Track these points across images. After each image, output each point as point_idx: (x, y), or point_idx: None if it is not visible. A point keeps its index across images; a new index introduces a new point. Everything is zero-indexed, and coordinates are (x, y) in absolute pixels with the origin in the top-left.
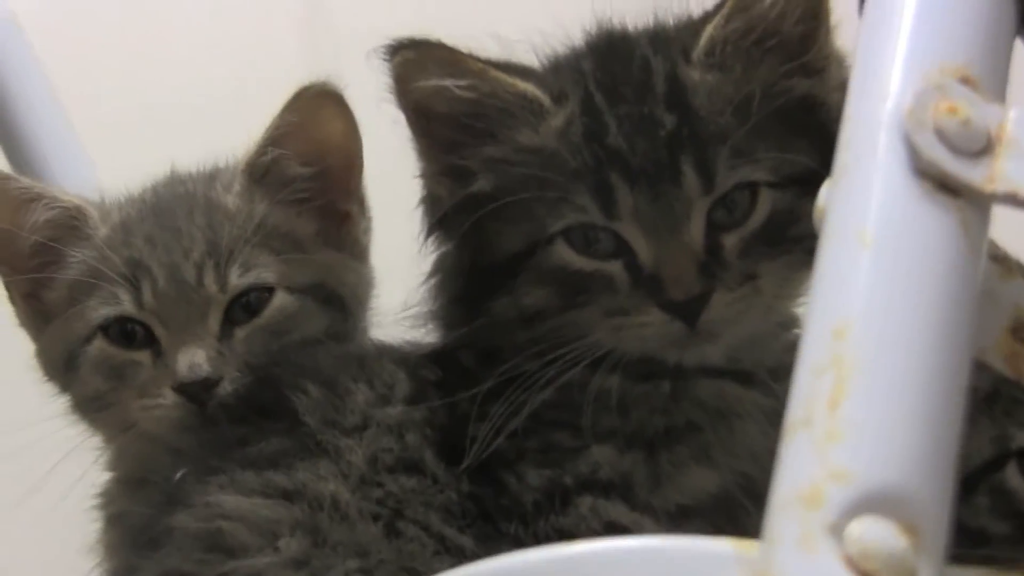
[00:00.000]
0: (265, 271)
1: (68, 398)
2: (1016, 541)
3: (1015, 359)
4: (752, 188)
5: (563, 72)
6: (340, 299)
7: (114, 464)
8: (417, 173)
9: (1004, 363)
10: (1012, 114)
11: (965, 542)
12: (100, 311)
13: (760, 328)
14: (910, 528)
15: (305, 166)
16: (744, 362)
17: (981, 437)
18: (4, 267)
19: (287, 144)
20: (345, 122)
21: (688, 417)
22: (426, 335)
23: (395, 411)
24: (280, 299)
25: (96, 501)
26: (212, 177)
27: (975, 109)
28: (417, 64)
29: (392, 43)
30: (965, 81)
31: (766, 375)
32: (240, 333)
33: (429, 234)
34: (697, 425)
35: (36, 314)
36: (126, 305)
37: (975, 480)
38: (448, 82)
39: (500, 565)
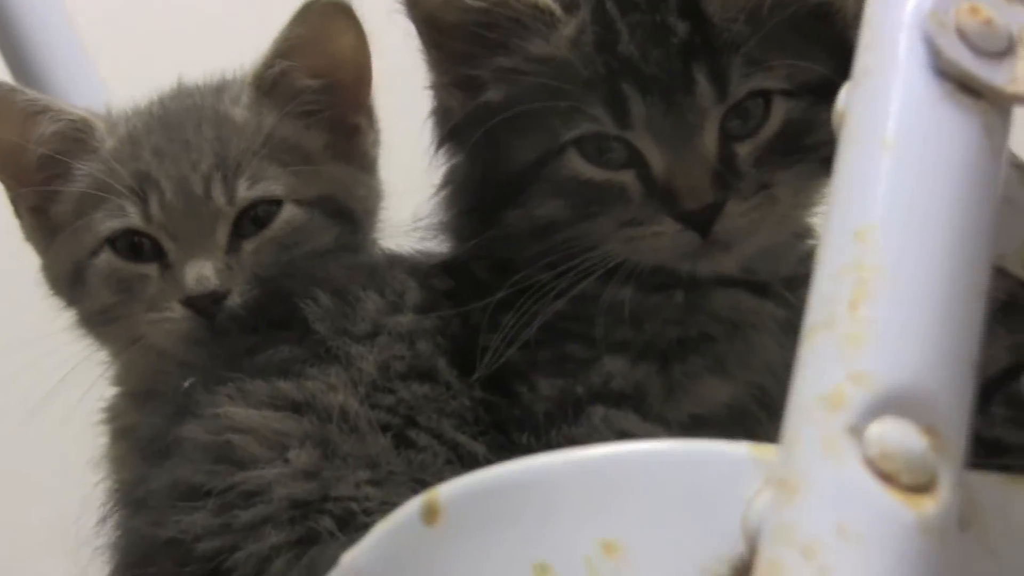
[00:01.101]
0: (273, 183)
1: (75, 312)
2: None
3: None
4: (766, 96)
5: None
6: (349, 212)
7: (121, 378)
8: (427, 84)
9: (1023, 270)
10: None
11: (981, 452)
12: (107, 224)
13: (775, 238)
14: (930, 430)
15: (314, 78)
16: (759, 272)
17: (997, 346)
18: (10, 180)
19: (296, 56)
20: (355, 34)
21: (702, 328)
22: (437, 246)
23: (406, 319)
24: (288, 211)
25: (103, 415)
26: (220, 89)
27: (997, 10)
28: None
29: None
30: None
31: (781, 285)
32: (248, 246)
33: (440, 146)
34: (711, 336)
35: (42, 228)
36: (133, 218)
37: (991, 389)
38: None
39: (517, 468)
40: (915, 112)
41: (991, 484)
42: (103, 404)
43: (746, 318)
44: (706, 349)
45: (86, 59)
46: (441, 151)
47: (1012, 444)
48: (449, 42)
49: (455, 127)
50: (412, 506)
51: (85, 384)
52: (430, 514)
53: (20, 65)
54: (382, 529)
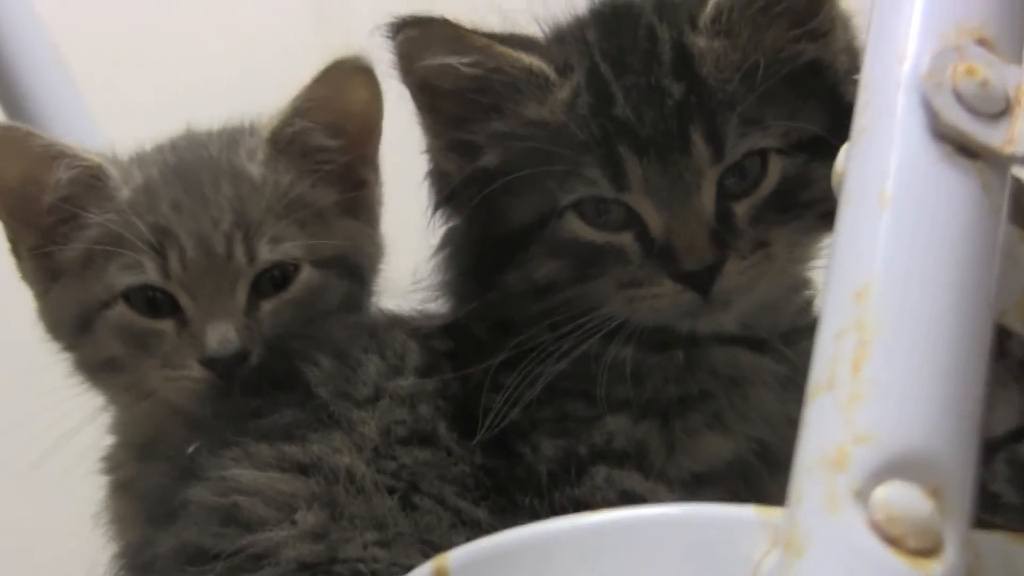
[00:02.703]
0: (292, 245)
1: (74, 357)
2: None
3: None
4: (762, 155)
5: (567, 43)
6: (359, 269)
7: (119, 428)
8: (423, 148)
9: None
10: None
11: (980, 505)
12: (123, 278)
13: (772, 294)
14: (935, 492)
15: (331, 138)
16: (756, 328)
17: (1009, 403)
18: (16, 223)
19: (314, 116)
20: (372, 91)
21: (701, 385)
22: (437, 307)
23: (407, 382)
24: (307, 273)
25: (101, 465)
26: (234, 142)
27: (993, 70)
28: (421, 42)
29: (395, 21)
30: (982, 42)
31: (778, 340)
32: (267, 307)
33: (437, 208)
34: (710, 393)
35: (44, 271)
36: (151, 274)
37: (996, 446)
38: (452, 59)
39: (522, 535)
40: (913, 173)
41: (995, 542)
42: (101, 454)
43: (745, 374)
44: (706, 406)
45: (72, 89)
46: (438, 213)
47: (1008, 503)
48: (444, 106)
49: (452, 191)
50: (422, 572)
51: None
52: None
53: (7, 95)
54: None
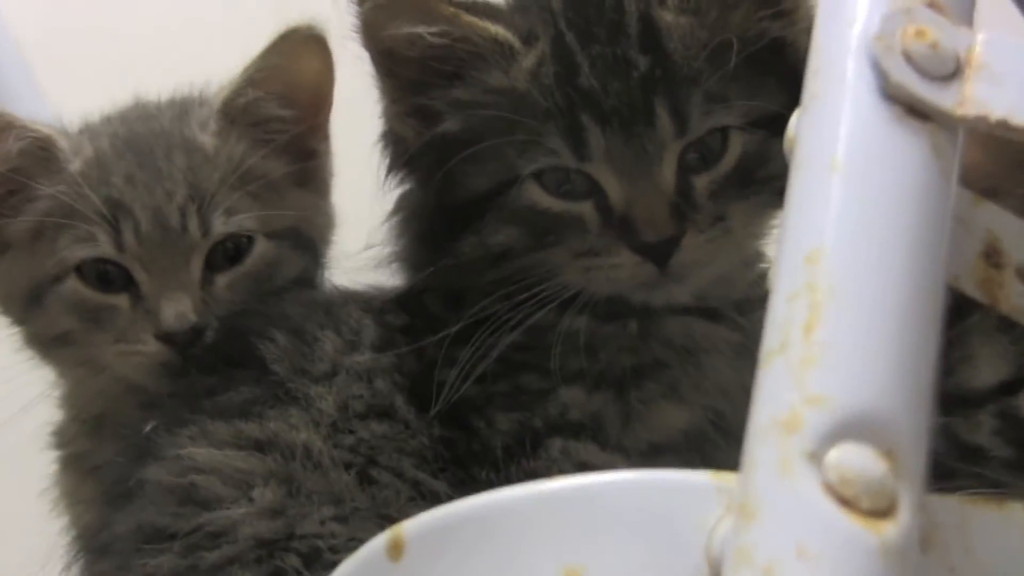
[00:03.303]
0: (247, 217)
1: (24, 331)
2: (1018, 468)
3: (988, 284)
4: (724, 131)
5: (532, 12)
6: (311, 241)
7: (70, 402)
8: (380, 112)
9: (977, 288)
10: (980, 37)
11: (958, 456)
12: (76, 251)
13: (728, 267)
14: (888, 453)
15: (283, 107)
16: (711, 299)
17: (997, 356)
18: None
19: (266, 86)
20: (324, 61)
21: (656, 355)
22: (390, 276)
23: (363, 358)
24: (261, 246)
25: (52, 440)
26: (185, 113)
27: (943, 33)
28: (389, 11)
29: None
30: (932, 5)
31: (733, 310)
32: (222, 280)
33: (391, 172)
34: (665, 362)
35: None
36: (105, 247)
37: (983, 398)
38: (420, 29)
39: (477, 503)
40: (863, 135)
41: (950, 505)
42: (51, 428)
43: (699, 343)
44: (661, 376)
45: (20, 61)
46: (392, 178)
47: (997, 456)
48: (405, 72)
49: (409, 156)
50: (378, 542)
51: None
52: (395, 549)
53: None
54: (348, 565)
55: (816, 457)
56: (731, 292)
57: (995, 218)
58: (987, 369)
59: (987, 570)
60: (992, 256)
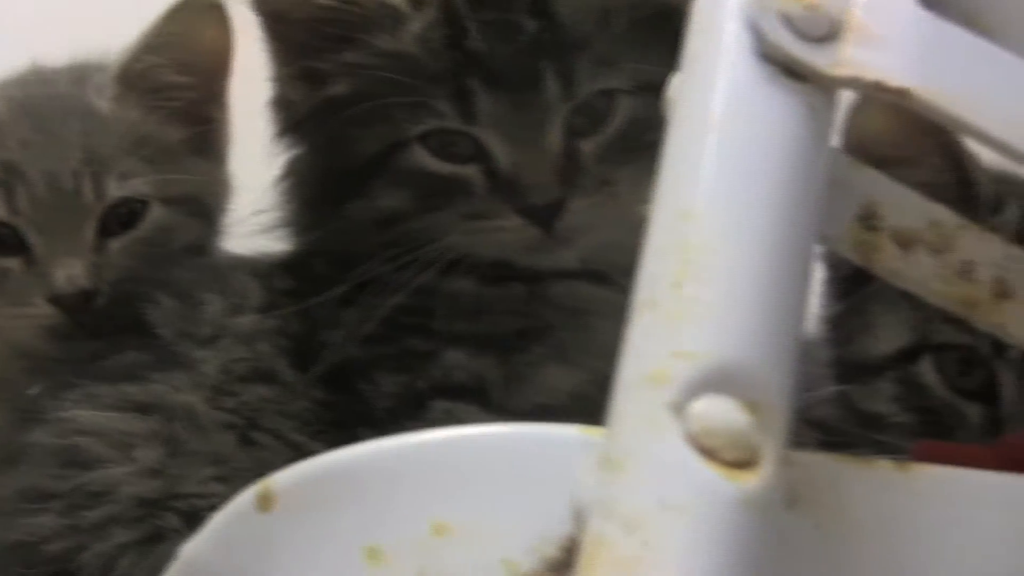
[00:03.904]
0: (141, 182)
1: None
2: (917, 434)
3: (863, 247)
4: (611, 95)
5: None
6: (207, 209)
7: None
8: (269, 76)
9: (852, 251)
10: (860, 0)
11: (857, 423)
12: None
13: (615, 231)
14: (753, 406)
15: (181, 74)
16: (598, 263)
17: (899, 322)
18: None
19: (165, 52)
20: (223, 28)
21: (543, 318)
22: (278, 241)
23: (247, 321)
24: (156, 212)
25: None
26: (82, 78)
27: None
28: None
29: None
30: None
31: (620, 274)
32: (115, 245)
33: (280, 137)
34: (551, 325)
35: None
36: None
37: (882, 365)
38: None
39: (348, 455)
40: (740, 95)
41: (821, 463)
42: None
43: (586, 306)
44: (547, 338)
45: None
46: (281, 143)
47: (892, 423)
48: (295, 35)
49: (298, 120)
50: (247, 495)
51: None
52: (264, 501)
53: None
54: (219, 518)
55: (681, 409)
56: (619, 256)
57: (873, 182)
58: (887, 337)
59: (855, 526)
60: (868, 219)
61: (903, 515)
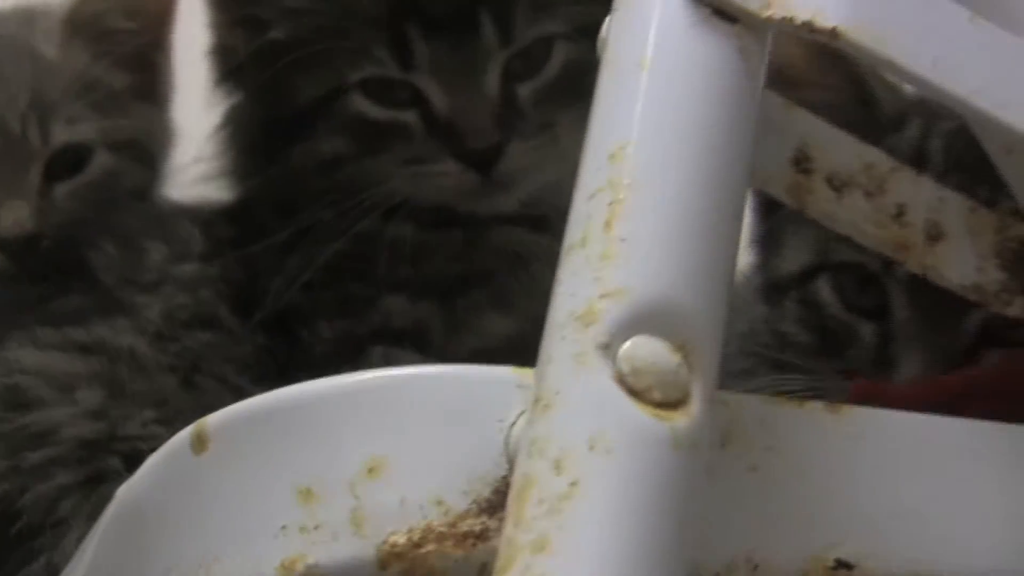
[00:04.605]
0: (88, 127)
1: None
2: (816, 352)
3: (796, 189)
4: (549, 40)
5: None
6: (151, 155)
7: None
8: (207, 22)
9: (785, 193)
10: None
11: (766, 344)
12: None
13: (555, 175)
14: (682, 346)
15: (127, 20)
16: (538, 207)
17: (803, 242)
18: None
19: None
20: None
21: (483, 263)
22: (220, 189)
23: (190, 268)
24: (102, 156)
25: None
26: (29, 22)
27: None
28: None
29: None
30: None
31: (560, 219)
32: (61, 189)
33: (220, 84)
34: (492, 270)
35: None
36: None
37: (788, 284)
38: None
39: (280, 396)
40: (671, 36)
41: (753, 403)
42: None
43: (526, 251)
44: (487, 283)
45: None
46: (221, 90)
47: (796, 342)
48: None
49: (237, 66)
50: (182, 435)
51: None
52: (199, 442)
53: None
54: (154, 459)
55: (610, 349)
56: (559, 200)
57: (807, 124)
58: (792, 257)
59: (788, 466)
60: (802, 162)
61: (833, 456)
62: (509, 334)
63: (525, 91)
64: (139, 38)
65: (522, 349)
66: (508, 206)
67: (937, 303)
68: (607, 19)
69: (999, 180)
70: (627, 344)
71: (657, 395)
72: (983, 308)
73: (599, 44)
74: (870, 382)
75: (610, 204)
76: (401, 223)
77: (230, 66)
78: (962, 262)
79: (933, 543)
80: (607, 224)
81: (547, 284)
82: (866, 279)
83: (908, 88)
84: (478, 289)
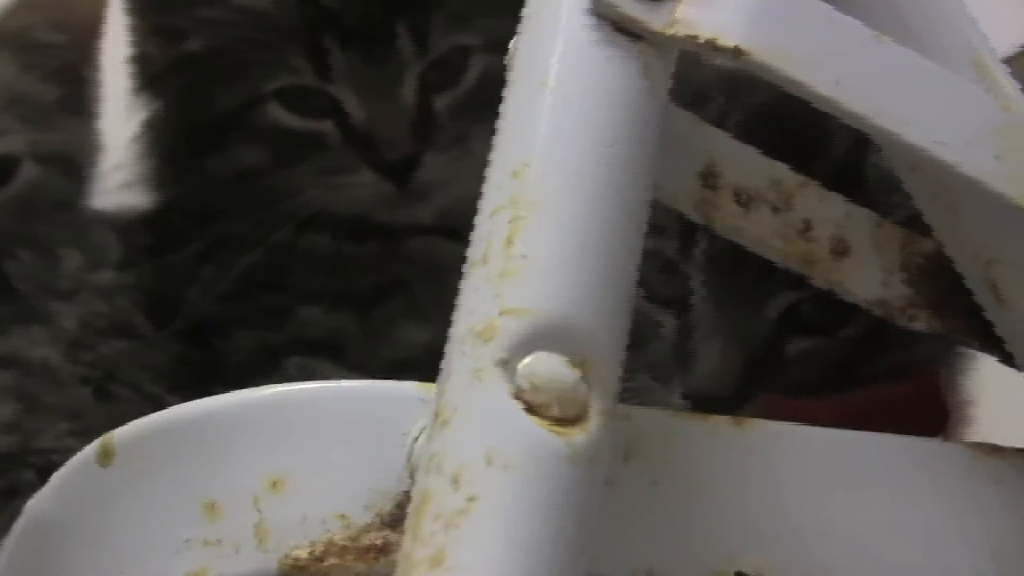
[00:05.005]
0: (15, 139)
1: None
2: None
3: (704, 205)
4: (465, 51)
5: None
6: (79, 167)
7: None
8: (126, 31)
9: (693, 210)
10: None
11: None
12: None
13: (471, 187)
14: (581, 363)
15: (56, 33)
16: (453, 218)
17: None
18: None
19: (40, 11)
20: None
21: (398, 274)
22: (136, 197)
23: (106, 276)
24: (28, 169)
25: None
26: None
27: None
28: None
29: None
30: None
31: None
32: None
33: (138, 93)
34: (408, 281)
35: None
36: None
37: None
38: None
39: (188, 409)
40: (575, 54)
41: (657, 417)
42: None
43: (442, 262)
44: (404, 294)
45: None
46: (139, 98)
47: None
48: None
49: (155, 75)
50: (89, 449)
51: None
52: (104, 456)
53: None
54: (61, 473)
55: (509, 365)
56: (474, 212)
57: (715, 140)
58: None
59: (691, 480)
60: (709, 177)
61: (737, 469)
62: (426, 344)
63: (442, 102)
64: (67, 51)
65: (439, 359)
66: (424, 217)
67: (736, 290)
68: (514, 37)
69: (796, 158)
70: (526, 360)
71: (555, 411)
72: (784, 295)
73: (506, 62)
74: (780, 397)
75: (511, 221)
76: (317, 234)
77: (148, 75)
78: (868, 277)
79: (837, 556)
80: (508, 241)
81: None
82: (667, 267)
83: (716, 63)
84: (395, 299)
